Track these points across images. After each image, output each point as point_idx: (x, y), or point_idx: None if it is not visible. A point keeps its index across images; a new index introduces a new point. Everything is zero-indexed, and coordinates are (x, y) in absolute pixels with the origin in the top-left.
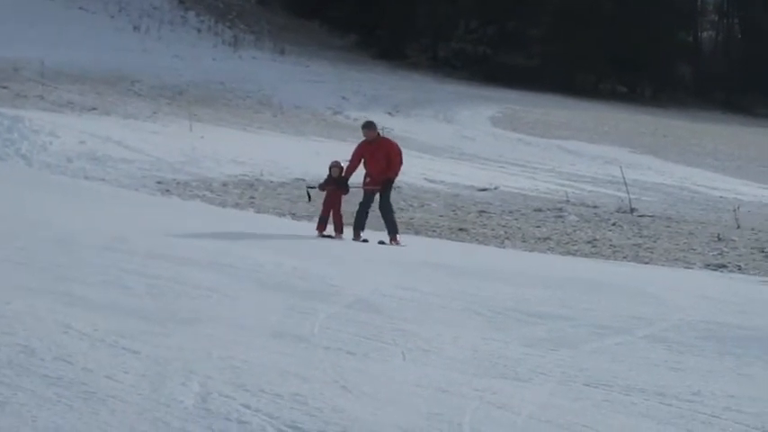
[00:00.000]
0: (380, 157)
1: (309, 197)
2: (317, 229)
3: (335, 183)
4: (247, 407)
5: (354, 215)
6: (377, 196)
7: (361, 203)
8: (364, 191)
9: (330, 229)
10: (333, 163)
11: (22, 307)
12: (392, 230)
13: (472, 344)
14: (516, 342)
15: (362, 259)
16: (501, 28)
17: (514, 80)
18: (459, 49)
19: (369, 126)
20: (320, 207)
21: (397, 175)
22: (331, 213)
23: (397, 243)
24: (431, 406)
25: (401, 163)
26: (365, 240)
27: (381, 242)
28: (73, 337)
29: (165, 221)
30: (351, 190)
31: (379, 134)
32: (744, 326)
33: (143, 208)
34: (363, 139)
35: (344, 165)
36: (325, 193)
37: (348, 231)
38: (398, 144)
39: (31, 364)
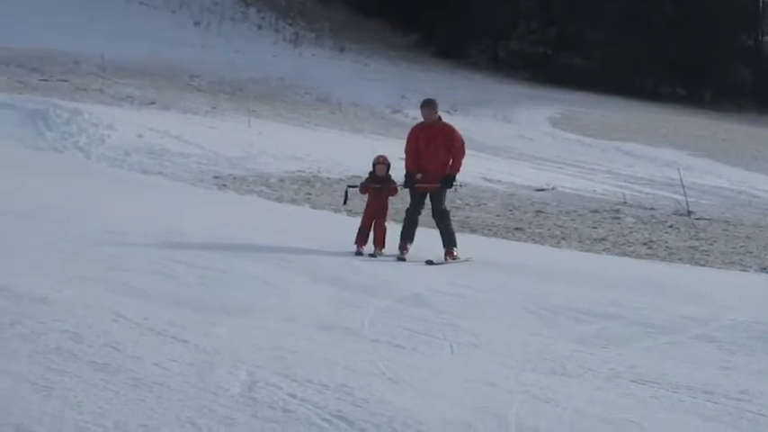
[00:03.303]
0: (439, 145)
1: (346, 199)
2: (356, 243)
3: (381, 182)
4: (293, 396)
5: (402, 223)
6: (427, 198)
7: (408, 208)
8: (413, 191)
9: (370, 245)
10: (378, 158)
11: (72, 295)
12: (449, 242)
13: (521, 340)
14: (566, 339)
15: (416, 255)
16: (561, 29)
17: (574, 82)
18: (519, 50)
19: (429, 105)
20: (361, 212)
21: (459, 170)
22: (373, 223)
23: (454, 258)
24: (477, 399)
25: (464, 155)
26: (430, 261)
27: (430, 261)
28: (122, 325)
29: (219, 215)
30: (400, 190)
31: (440, 117)
32: None
33: (199, 201)
34: (417, 122)
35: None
36: (366, 197)
37: (392, 246)
38: (461, 132)
39: (78, 351)
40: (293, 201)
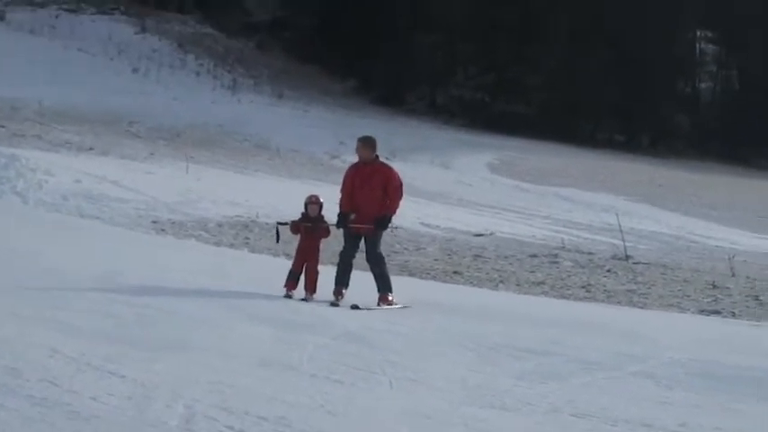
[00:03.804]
0: (375, 185)
1: (278, 237)
2: (286, 286)
3: (313, 222)
4: (231, 428)
5: (336, 267)
6: (362, 241)
7: (342, 251)
8: (347, 232)
9: (301, 289)
10: (309, 198)
11: (10, 332)
12: (384, 287)
13: (461, 375)
14: (505, 375)
15: (353, 296)
16: (499, 76)
17: (512, 128)
18: (457, 96)
19: (364, 142)
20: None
21: (395, 211)
22: (304, 266)
23: (389, 303)
24: (415, 431)
25: (401, 197)
26: (355, 306)
27: (355, 306)
28: (59, 361)
29: (158, 258)
30: (332, 230)
31: (377, 156)
32: (735, 365)
33: (137, 245)
34: (353, 162)
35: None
36: (298, 237)
37: (324, 291)
38: (399, 173)
39: (16, 386)
40: (232, 245)
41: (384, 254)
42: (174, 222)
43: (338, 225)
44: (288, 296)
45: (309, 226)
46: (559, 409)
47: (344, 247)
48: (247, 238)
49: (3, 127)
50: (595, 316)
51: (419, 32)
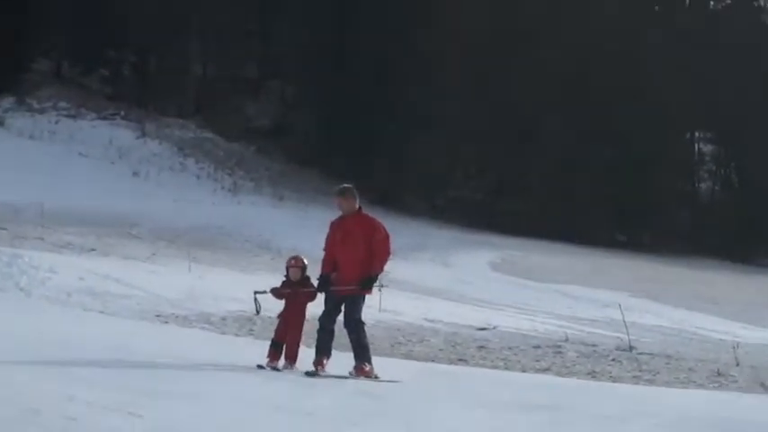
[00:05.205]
0: (359, 239)
1: (258, 308)
2: (268, 357)
3: (294, 287)
4: None
5: (316, 334)
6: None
7: (321, 316)
8: (327, 295)
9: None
10: (289, 260)
11: (23, 380)
12: (361, 356)
13: (476, 421)
14: (520, 424)
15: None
16: (499, 175)
17: (512, 227)
18: (457, 196)
19: (344, 193)
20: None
21: (381, 268)
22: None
23: (367, 375)
24: None
25: (389, 252)
26: (311, 373)
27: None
28: (78, 404)
29: (165, 337)
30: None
31: (360, 208)
32: (744, 419)
33: (143, 329)
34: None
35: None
36: (282, 304)
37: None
38: (385, 226)
39: (37, 423)
40: (236, 335)
41: (364, 321)
42: (177, 316)
43: (319, 288)
44: (262, 366)
45: (289, 292)
46: None
47: (324, 312)
48: (252, 330)
49: (4, 229)
50: (603, 387)
51: (417, 135)
